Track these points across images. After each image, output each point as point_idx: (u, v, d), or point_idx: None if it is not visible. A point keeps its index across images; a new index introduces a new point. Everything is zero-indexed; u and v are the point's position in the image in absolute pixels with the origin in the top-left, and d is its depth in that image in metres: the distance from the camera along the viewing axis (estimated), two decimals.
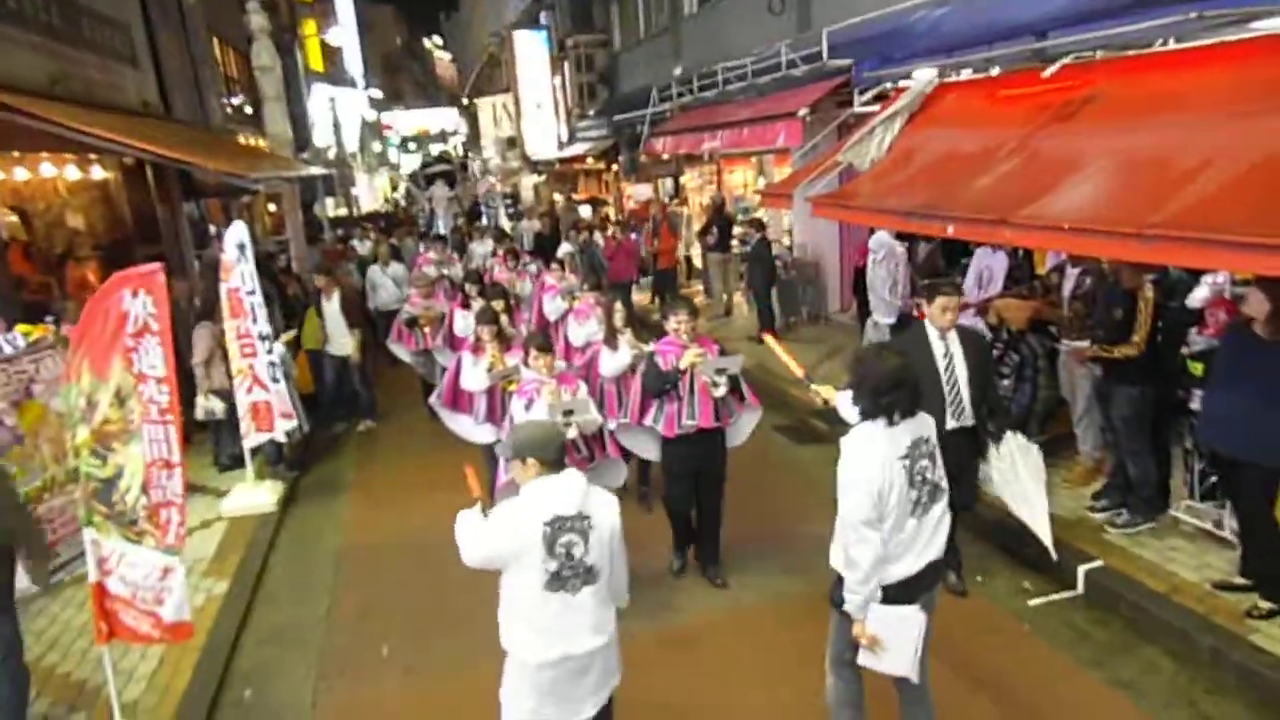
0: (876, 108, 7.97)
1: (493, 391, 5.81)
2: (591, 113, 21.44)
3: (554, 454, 3.02)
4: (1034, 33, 6.67)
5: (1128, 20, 5.72)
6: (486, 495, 3.45)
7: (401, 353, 8.98)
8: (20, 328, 6.64)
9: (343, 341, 8.77)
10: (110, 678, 3.99)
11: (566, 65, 22.45)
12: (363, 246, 15.28)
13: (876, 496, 3.03)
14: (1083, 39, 6.07)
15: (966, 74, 7.35)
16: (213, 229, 16.13)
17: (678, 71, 14.78)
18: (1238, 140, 4.28)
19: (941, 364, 4.56)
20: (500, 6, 30.51)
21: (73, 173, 10.55)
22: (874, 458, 3.06)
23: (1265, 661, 3.99)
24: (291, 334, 8.43)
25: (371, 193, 43.34)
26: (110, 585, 3.78)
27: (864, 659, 3.24)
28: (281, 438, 7.23)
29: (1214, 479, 4.94)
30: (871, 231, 8.06)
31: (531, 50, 24.06)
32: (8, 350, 6.23)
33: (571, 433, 4.56)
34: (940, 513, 3.24)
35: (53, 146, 9.34)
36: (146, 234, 12.83)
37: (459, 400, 6.16)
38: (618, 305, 5.97)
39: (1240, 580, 4.51)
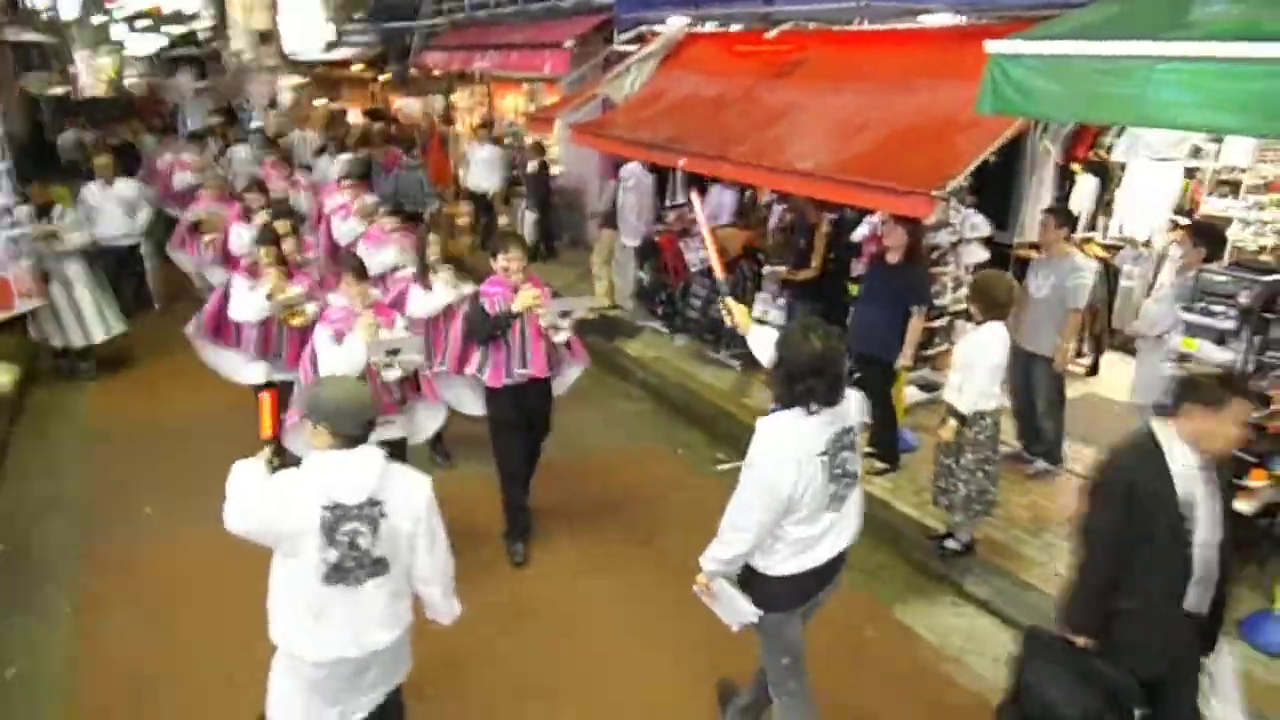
0: (635, 47, 8.82)
1: (267, 323, 5.12)
2: (359, 16, 20.58)
3: (354, 428, 2.57)
4: None
5: None
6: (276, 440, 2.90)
7: (184, 261, 7.99)
8: None
9: None
10: None
11: None
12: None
13: (781, 499, 2.78)
14: (800, 9, 7.23)
15: (711, 26, 8.36)
16: None
17: None
18: (893, 108, 5.59)
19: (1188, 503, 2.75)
20: None
21: None
22: (785, 456, 2.77)
23: (875, 505, 5.41)
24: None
25: (93, 73, 38.13)
26: None
27: (697, 591, 3.09)
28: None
29: (856, 376, 6.39)
30: (623, 161, 8.97)
31: None
32: None
33: (392, 374, 4.19)
34: (855, 500, 3.03)
35: None
36: None
37: (223, 331, 5.39)
38: (431, 237, 5.29)
39: (868, 449, 5.96)
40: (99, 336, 7.17)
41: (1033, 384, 5.70)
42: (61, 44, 26.72)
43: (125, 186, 8.31)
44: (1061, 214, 5.65)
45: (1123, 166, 7.26)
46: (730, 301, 3.76)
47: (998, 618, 4.52)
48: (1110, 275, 6.93)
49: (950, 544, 4.85)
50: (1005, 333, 4.52)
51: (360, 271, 4.39)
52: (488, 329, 4.46)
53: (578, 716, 3.77)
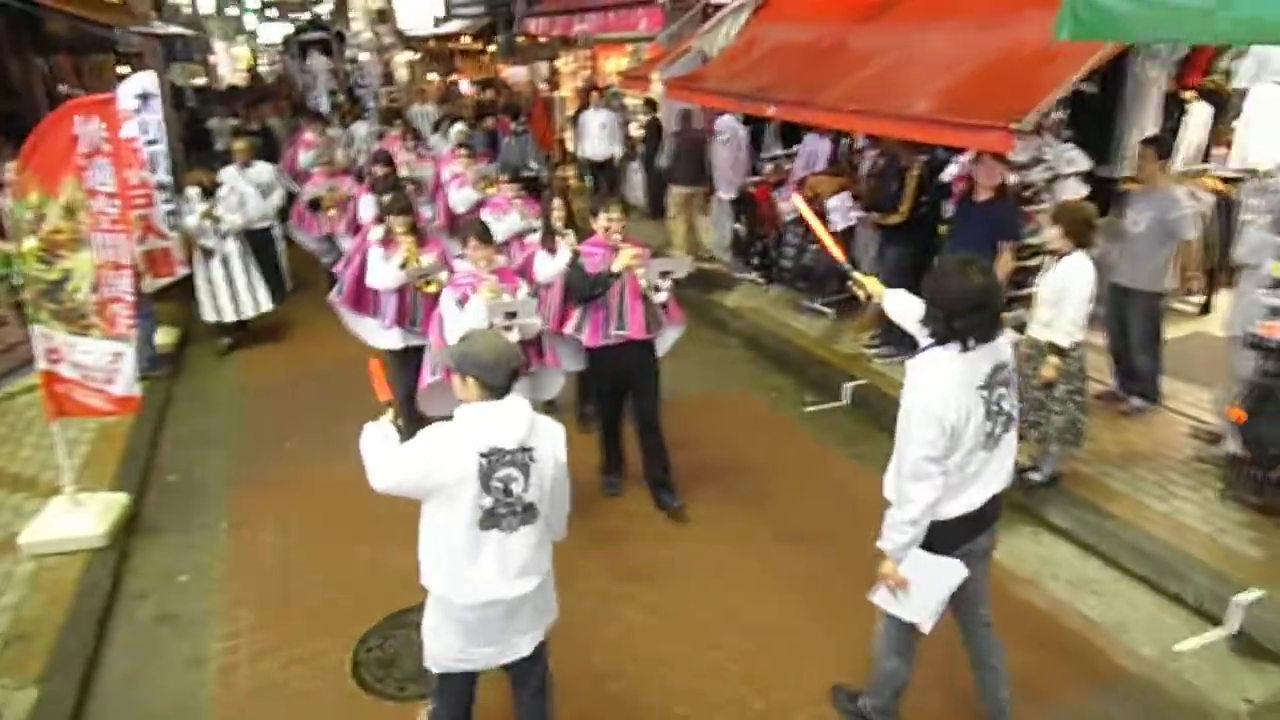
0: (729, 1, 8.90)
1: (403, 291, 5.20)
2: None
3: (502, 378, 2.67)
4: None
5: None
6: (397, 400, 3.11)
7: (304, 239, 8.45)
8: None
9: None
10: (60, 446, 4.80)
11: None
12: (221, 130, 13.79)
13: (948, 431, 2.71)
14: None
15: None
16: (63, 88, 15.51)
17: None
18: (978, 45, 5.55)
19: None
20: None
21: None
22: (947, 386, 2.72)
23: None
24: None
25: (230, 62, 40.74)
26: (61, 371, 4.54)
27: (879, 598, 3.02)
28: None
29: None
30: (718, 114, 9.10)
31: None
32: None
33: (514, 336, 4.21)
34: (1011, 441, 2.94)
35: None
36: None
37: (362, 299, 5.50)
38: (556, 202, 5.33)
39: None
40: (250, 312, 7.61)
41: (1128, 320, 5.61)
42: (201, 36, 28.61)
43: (260, 170, 8.53)
44: (1159, 144, 5.50)
45: (1243, 93, 6.87)
46: (858, 276, 3.63)
47: (1077, 545, 4.58)
48: (1228, 209, 6.64)
49: (1034, 476, 4.90)
50: (1090, 265, 4.51)
51: (484, 236, 4.45)
52: (587, 288, 4.48)
53: (691, 679, 3.75)
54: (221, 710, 3.67)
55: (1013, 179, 5.94)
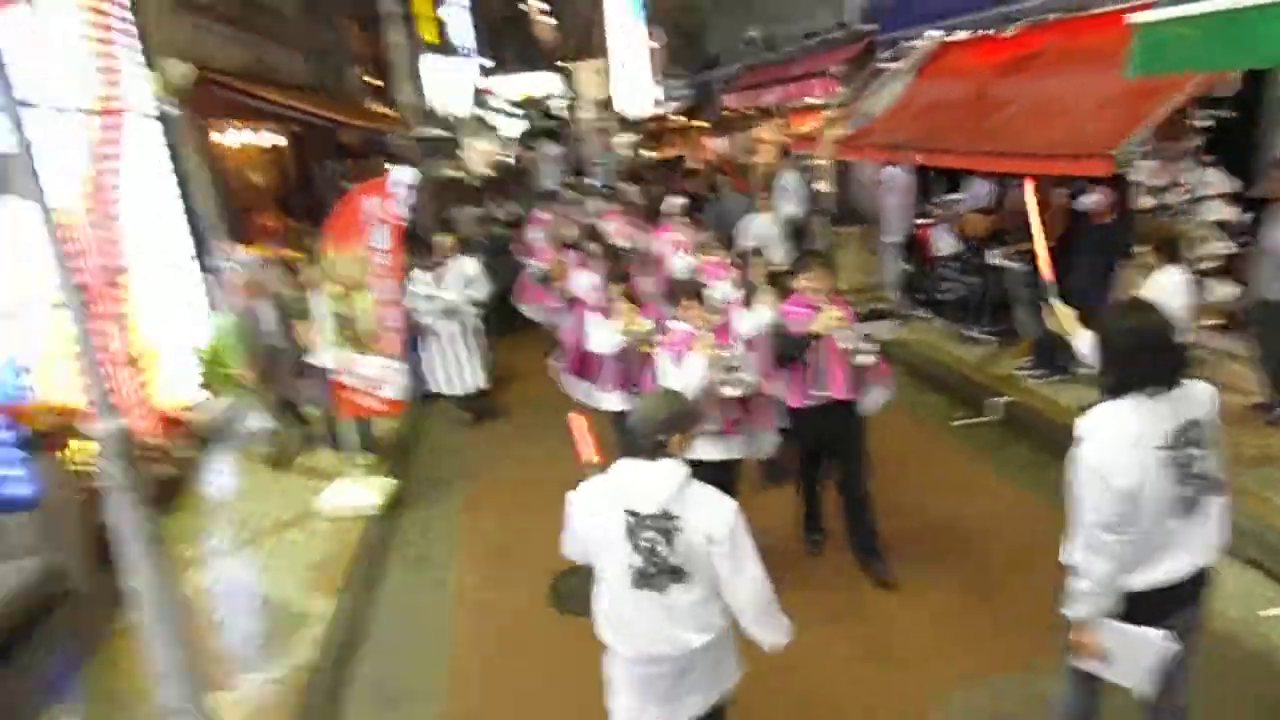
0: (894, 64, 9.76)
1: (624, 354, 5.38)
2: (678, 73, 23.33)
3: (644, 439, 2.66)
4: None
5: None
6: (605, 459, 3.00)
7: (533, 312, 8.69)
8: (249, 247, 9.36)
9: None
10: (351, 436, 6.53)
11: (657, 30, 24.35)
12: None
13: (1123, 495, 2.49)
14: (1034, 4, 7.76)
15: (961, 34, 9.06)
16: (344, 184, 19.06)
17: (751, 33, 16.58)
18: (1099, 85, 6.09)
19: None
20: None
21: (255, 137, 13.37)
22: (1117, 445, 2.51)
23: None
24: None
25: (478, 155, 46.23)
26: (346, 380, 6.24)
27: (1087, 665, 2.81)
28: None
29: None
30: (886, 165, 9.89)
31: (623, 16, 26.02)
32: (243, 261, 8.92)
33: (731, 391, 4.31)
34: (1217, 510, 2.66)
35: (247, 116, 12.11)
36: (304, 189, 15.73)
37: (585, 365, 5.76)
38: (758, 259, 5.55)
39: None
40: (459, 390, 7.99)
41: (1270, 333, 5.76)
42: (454, 137, 33.09)
43: (468, 264, 8.14)
44: None
45: None
46: (1057, 305, 3.63)
47: None
48: None
49: None
50: (1183, 276, 4.92)
51: (696, 294, 4.54)
52: (789, 349, 4.50)
53: None
54: (458, 615, 5.04)
55: (1150, 202, 6.33)
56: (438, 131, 22.97)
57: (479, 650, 4.72)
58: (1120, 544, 2.54)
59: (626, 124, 28.91)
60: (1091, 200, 6.67)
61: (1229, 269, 6.47)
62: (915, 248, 9.30)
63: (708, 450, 4.34)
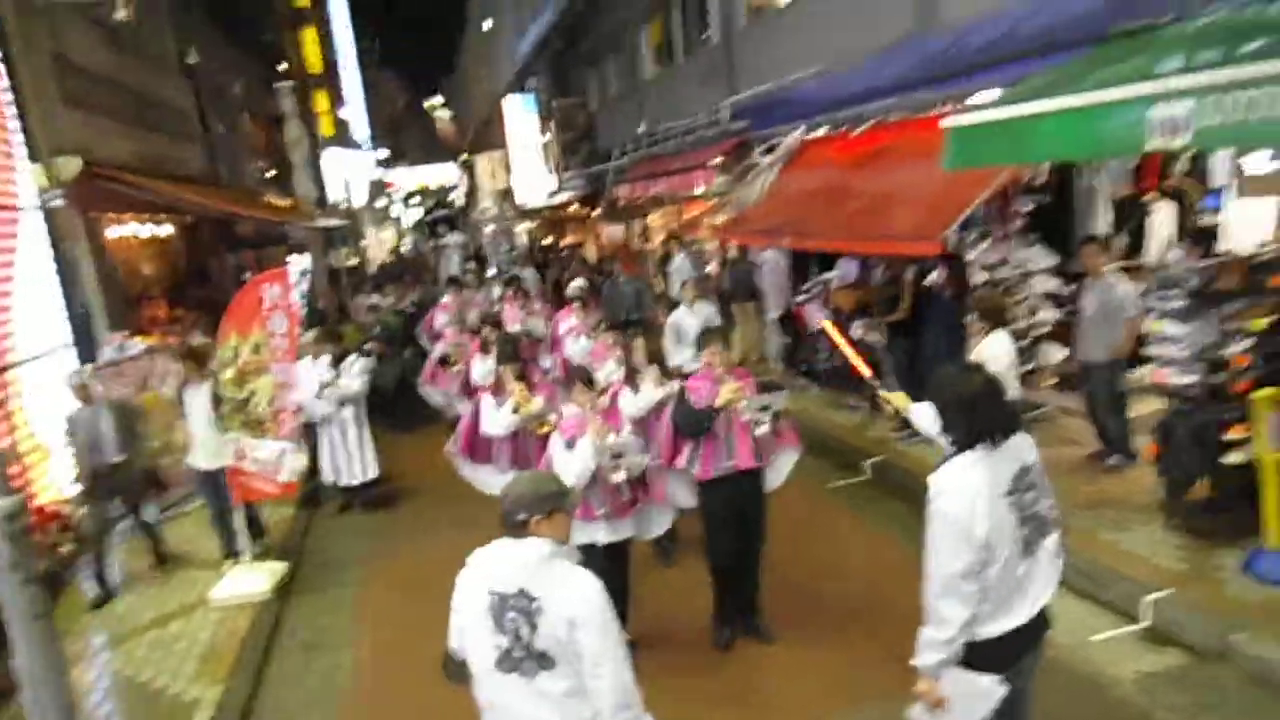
0: (764, 159, 10.63)
1: (516, 435, 5.47)
2: (574, 165, 24.29)
3: (510, 518, 2.63)
4: (860, 102, 9.31)
5: (910, 92, 8.33)
6: None
7: (435, 396, 8.77)
8: (138, 337, 9.30)
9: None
10: (243, 529, 6.51)
11: (552, 124, 25.38)
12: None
13: (981, 542, 2.63)
14: (881, 105, 8.69)
15: (823, 131, 9.98)
16: (247, 274, 18.96)
17: (641, 129, 17.58)
18: (922, 177, 6.87)
19: None
20: (495, 70, 33.77)
21: (146, 229, 13.30)
22: (972, 496, 2.66)
23: None
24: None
25: (378, 244, 46.36)
26: (244, 466, 6.30)
27: (917, 714, 2.89)
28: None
29: None
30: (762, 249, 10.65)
31: (520, 112, 27.05)
32: (131, 351, 8.87)
33: (619, 475, 4.40)
34: (1053, 548, 2.84)
35: (138, 209, 12.09)
36: (198, 278, 15.61)
37: (477, 449, 5.81)
38: (639, 342, 5.67)
39: None
40: (352, 480, 7.83)
41: (1094, 390, 6.52)
42: (354, 225, 33.25)
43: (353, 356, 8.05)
44: (1098, 241, 6.58)
45: (1209, 190, 7.81)
46: (885, 393, 4.01)
47: None
48: None
49: None
50: (1008, 339, 5.60)
51: (589, 380, 4.71)
52: (695, 422, 4.56)
53: None
54: (352, 696, 5.07)
55: (985, 277, 7.11)
56: (337, 221, 23.07)
57: None
58: (978, 591, 2.67)
59: (525, 213, 29.70)
60: (935, 277, 7.45)
61: (1058, 334, 7.29)
62: (793, 322, 9.99)
63: (597, 534, 4.56)
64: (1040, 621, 2.86)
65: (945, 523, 2.68)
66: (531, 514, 2.62)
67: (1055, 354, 7.30)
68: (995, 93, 6.13)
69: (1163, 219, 7.81)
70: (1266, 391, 4.63)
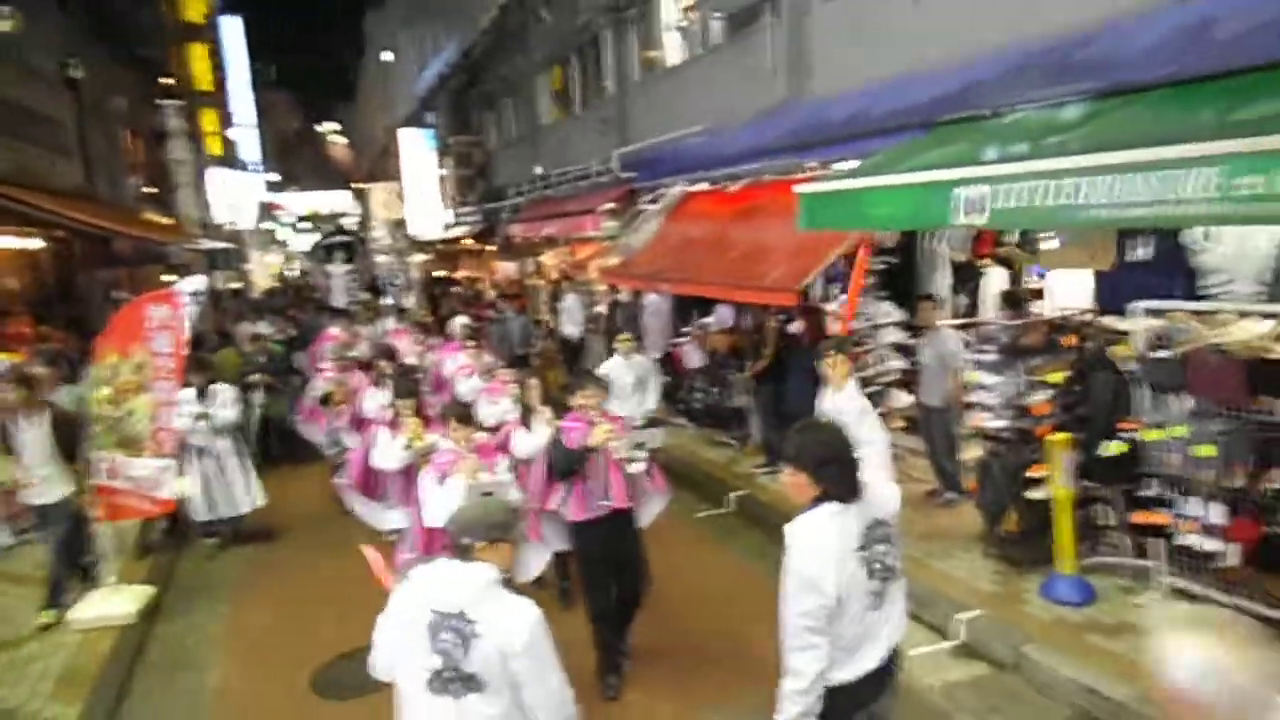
0: (652, 207, 11.26)
1: (409, 471, 5.42)
2: (469, 201, 24.56)
3: (459, 539, 2.69)
4: (737, 161, 10.06)
5: (775, 158, 9.11)
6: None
7: (313, 434, 8.62)
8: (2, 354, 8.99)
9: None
10: (109, 545, 6.44)
11: (448, 160, 25.61)
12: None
13: (829, 599, 2.70)
14: (755, 167, 9.44)
15: (704, 185, 10.69)
16: (116, 294, 18.23)
17: (537, 170, 18.08)
18: (786, 233, 7.56)
19: None
20: (392, 101, 33.78)
21: (13, 243, 12.78)
22: (826, 553, 2.73)
23: None
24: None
25: (263, 269, 45.00)
26: (116, 484, 6.26)
27: None
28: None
29: None
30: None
31: (418, 146, 27.17)
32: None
33: None
34: (898, 594, 2.94)
35: (7, 221, 11.65)
36: (68, 296, 14.98)
37: (369, 483, 5.80)
38: (533, 382, 5.70)
39: None
40: (229, 512, 7.55)
41: (931, 432, 7.27)
42: (239, 248, 32.26)
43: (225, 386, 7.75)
44: (933, 299, 7.40)
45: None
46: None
47: None
48: None
49: None
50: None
51: (464, 417, 4.74)
52: (568, 463, 4.60)
53: None
54: (216, 713, 5.12)
55: (838, 327, 7.82)
56: (221, 244, 22.46)
57: None
58: (828, 643, 2.74)
59: (419, 244, 29.60)
60: (796, 326, 8.13)
61: (905, 382, 8.06)
62: (672, 362, 10.54)
63: None
64: (891, 664, 2.95)
65: (798, 579, 2.73)
66: (476, 540, 2.68)
67: (901, 399, 8.05)
68: (854, 163, 6.92)
69: (994, 282, 8.78)
70: (1060, 436, 5.38)
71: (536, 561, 5.07)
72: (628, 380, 7.64)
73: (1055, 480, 5.40)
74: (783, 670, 2.83)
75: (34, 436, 6.13)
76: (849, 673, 2.84)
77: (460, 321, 11.10)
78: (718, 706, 4.80)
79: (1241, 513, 4.50)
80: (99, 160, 16.81)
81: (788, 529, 2.85)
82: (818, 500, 2.82)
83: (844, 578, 2.74)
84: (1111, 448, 5.06)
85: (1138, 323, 5.10)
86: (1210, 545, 4.67)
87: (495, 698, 2.59)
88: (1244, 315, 4.69)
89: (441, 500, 4.33)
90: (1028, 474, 5.65)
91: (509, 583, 2.78)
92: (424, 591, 2.67)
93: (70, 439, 6.19)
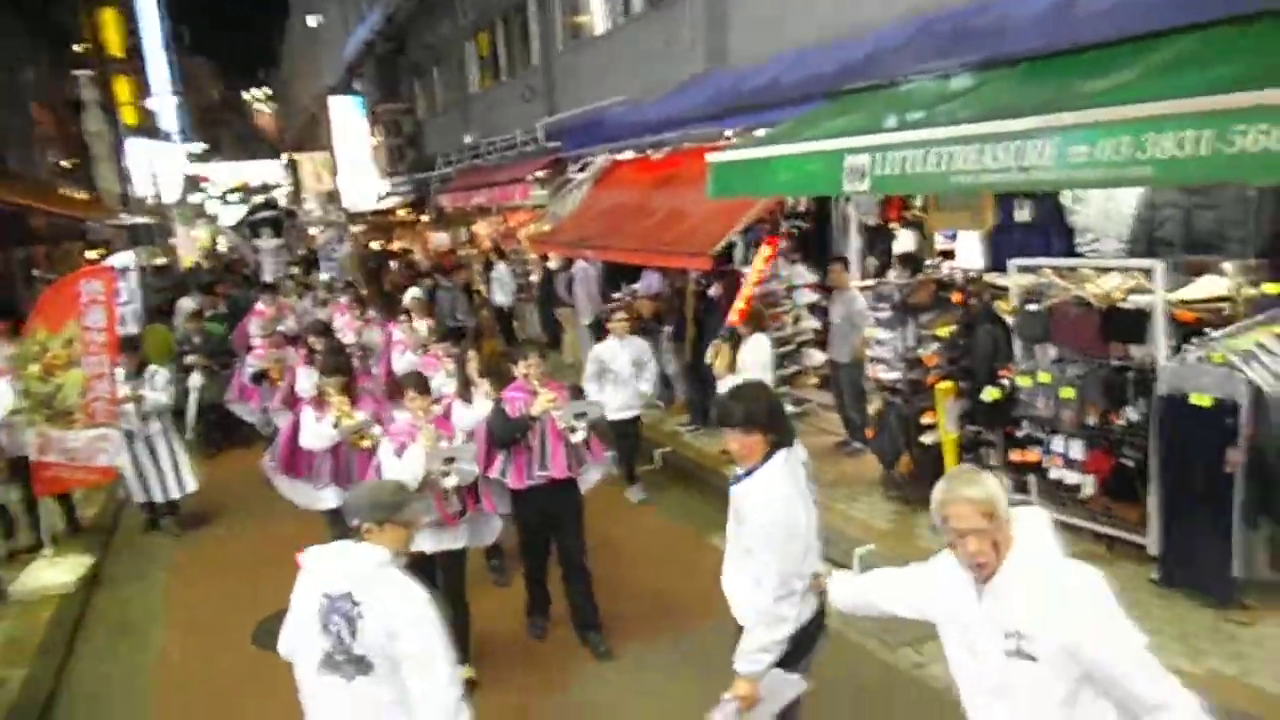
0: (578, 175, 11.50)
1: (337, 450, 5.42)
2: (400, 170, 24.36)
3: (351, 520, 2.75)
4: (660, 130, 10.34)
5: (695, 126, 9.43)
6: None
7: (244, 412, 8.48)
8: None
9: None
10: (44, 519, 6.57)
11: (378, 129, 25.30)
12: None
13: (805, 540, 2.83)
14: (676, 135, 9.74)
15: (629, 154, 10.96)
16: (36, 272, 17.78)
17: (467, 140, 18.08)
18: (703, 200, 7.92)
19: None
20: (320, 67, 33.00)
21: None
22: (790, 496, 2.85)
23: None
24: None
25: (191, 243, 43.80)
26: (49, 459, 6.37)
27: (720, 715, 2.89)
28: None
29: None
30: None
31: (348, 114, 26.73)
32: None
33: (450, 481, 4.41)
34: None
35: None
36: None
37: (296, 463, 5.68)
38: (471, 354, 5.69)
39: None
40: (175, 494, 7.41)
41: (840, 386, 7.75)
42: (163, 222, 31.42)
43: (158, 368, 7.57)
44: (844, 261, 7.84)
45: None
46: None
47: None
48: None
49: None
50: (766, 340, 6.66)
51: (422, 386, 4.64)
52: (509, 432, 4.65)
53: None
54: (159, 675, 5.33)
55: (757, 290, 8.23)
56: (144, 219, 21.93)
57: (180, 704, 5.02)
58: (804, 587, 2.86)
59: (353, 216, 29.20)
60: (714, 290, 8.52)
61: (819, 340, 8.52)
62: (602, 329, 10.85)
63: (426, 542, 4.45)
64: (822, 612, 3.06)
65: (777, 528, 2.81)
66: (364, 521, 2.71)
67: (816, 357, 8.52)
68: (765, 131, 7.26)
69: (903, 244, 9.27)
70: (946, 384, 5.88)
71: (490, 530, 5.07)
72: (624, 362, 7.24)
73: (942, 425, 5.92)
74: (759, 622, 2.88)
75: None
76: (809, 610, 2.96)
77: (412, 293, 9.95)
78: (647, 647, 5.03)
79: (1096, 447, 5.02)
80: (9, 134, 16.29)
81: (743, 490, 2.93)
82: (768, 454, 2.90)
83: (806, 514, 2.90)
84: (989, 393, 5.55)
85: (1014, 279, 5.59)
86: (1072, 478, 5.20)
87: (385, 680, 2.60)
88: (1104, 271, 5.21)
89: (401, 470, 4.27)
90: (920, 421, 6.15)
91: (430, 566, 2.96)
92: (317, 574, 2.69)
93: None
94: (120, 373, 6.91)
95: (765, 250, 7.06)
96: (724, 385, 6.02)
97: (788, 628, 2.85)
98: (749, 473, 2.94)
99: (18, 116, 17.27)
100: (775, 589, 2.83)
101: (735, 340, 6.61)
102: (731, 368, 6.26)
